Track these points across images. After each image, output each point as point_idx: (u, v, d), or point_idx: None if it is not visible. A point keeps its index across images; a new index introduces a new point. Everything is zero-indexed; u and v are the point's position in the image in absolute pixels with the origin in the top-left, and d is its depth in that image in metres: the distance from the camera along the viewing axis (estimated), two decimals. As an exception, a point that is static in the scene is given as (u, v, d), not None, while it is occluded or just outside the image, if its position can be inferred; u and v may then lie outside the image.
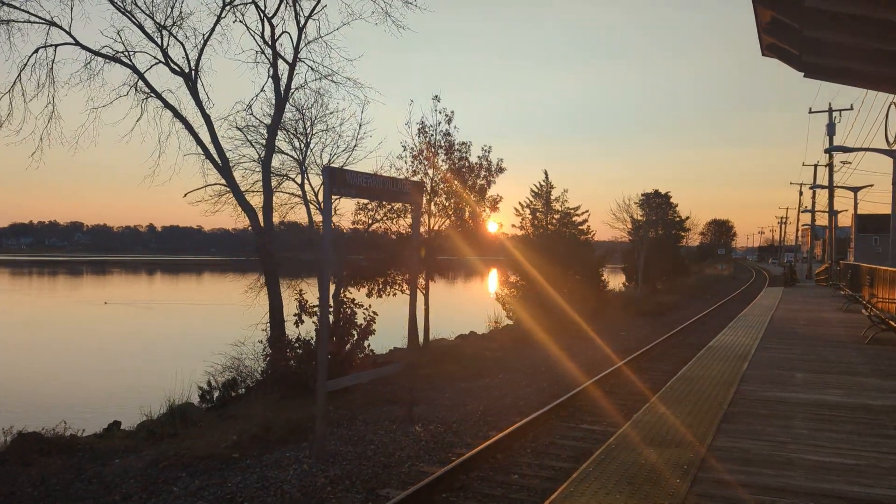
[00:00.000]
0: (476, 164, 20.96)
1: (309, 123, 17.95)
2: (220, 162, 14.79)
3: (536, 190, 32.58)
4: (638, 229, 49.60)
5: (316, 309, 14.51)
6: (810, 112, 43.26)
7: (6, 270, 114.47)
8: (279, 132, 16.66)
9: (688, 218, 57.21)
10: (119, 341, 30.77)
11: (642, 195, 51.32)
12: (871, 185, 40.54)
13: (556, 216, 32.43)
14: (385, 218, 21.09)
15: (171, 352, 24.43)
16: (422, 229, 21.60)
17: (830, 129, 40.56)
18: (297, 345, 14.70)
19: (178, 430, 11.25)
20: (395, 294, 20.94)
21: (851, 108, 41.18)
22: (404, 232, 21.49)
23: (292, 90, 15.21)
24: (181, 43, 14.23)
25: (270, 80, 14.68)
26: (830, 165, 41.06)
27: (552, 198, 32.45)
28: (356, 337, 14.42)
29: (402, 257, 20.89)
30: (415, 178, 20.93)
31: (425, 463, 9.28)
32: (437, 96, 20.58)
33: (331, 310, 14.11)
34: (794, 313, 19.35)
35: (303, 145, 17.66)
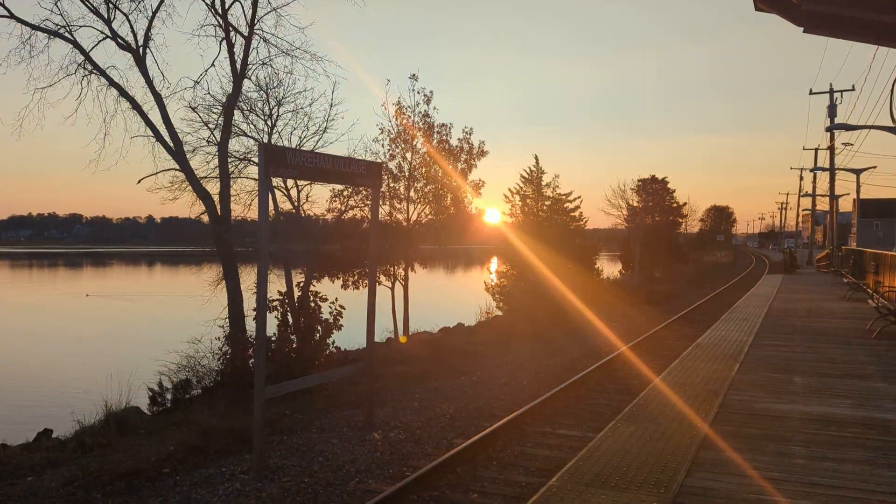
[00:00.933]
0: (457, 147, 19.79)
1: (275, 104, 16.77)
2: (172, 145, 13.62)
3: (527, 175, 31.45)
4: (634, 216, 48.45)
5: (276, 303, 13.44)
6: (811, 93, 41.95)
7: (3, 263, 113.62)
8: (240, 113, 15.51)
9: (685, 204, 56.06)
10: (86, 335, 29.78)
11: (639, 181, 50.17)
12: (875, 167, 39.03)
13: (548, 202, 31.30)
14: (362, 205, 19.96)
15: (136, 347, 23.37)
16: (400, 217, 20.56)
17: (832, 111, 39.31)
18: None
19: (111, 439, 10.17)
20: (372, 285, 19.87)
21: (853, 89, 39.86)
22: (382, 220, 20.37)
23: (250, 66, 14.03)
24: (126, 15, 13.05)
25: (227, 55, 13.48)
26: (832, 148, 39.83)
27: (543, 183, 31.33)
28: (320, 333, 13.32)
29: (382, 246, 19.80)
30: (392, 163, 19.82)
31: (376, 479, 8.20)
32: (414, 75, 19.46)
33: (273, 304, 13.01)
34: (793, 303, 18.14)
35: (268, 127, 16.49)
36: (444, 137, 19.81)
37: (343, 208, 19.03)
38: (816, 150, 50.49)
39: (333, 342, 13.77)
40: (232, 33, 13.34)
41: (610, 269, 55.57)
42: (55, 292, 54.47)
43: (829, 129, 29.34)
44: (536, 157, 31.26)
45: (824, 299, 19.02)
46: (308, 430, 10.47)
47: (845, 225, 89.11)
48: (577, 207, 31.91)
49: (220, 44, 13.40)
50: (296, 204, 17.26)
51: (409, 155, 19.67)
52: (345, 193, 19.45)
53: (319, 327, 13.33)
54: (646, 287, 38.41)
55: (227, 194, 14.18)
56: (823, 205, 53.21)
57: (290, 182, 17.36)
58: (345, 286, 19.29)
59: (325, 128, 17.47)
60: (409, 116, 19.48)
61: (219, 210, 13.98)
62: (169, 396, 13.26)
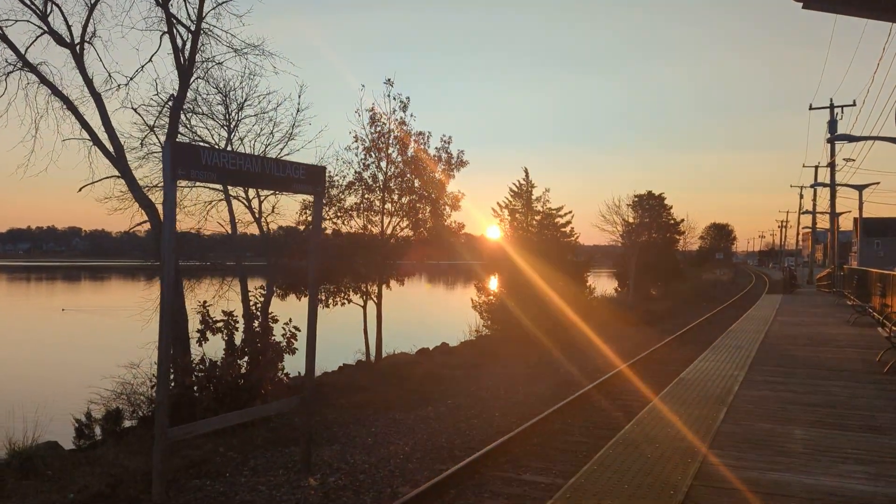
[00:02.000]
0: (435, 156, 18.57)
1: (236, 107, 15.58)
2: (112, 150, 12.40)
3: (516, 189, 30.23)
4: (630, 233, 47.20)
5: (221, 324, 12.15)
6: (810, 108, 40.90)
7: None
8: (194, 116, 14.31)
9: (683, 220, 54.79)
10: (37, 356, 28.47)
11: (635, 196, 48.94)
12: (878, 183, 37.71)
13: (538, 217, 30.05)
14: (335, 217, 18.72)
15: (85, 368, 21.97)
16: (375, 230, 19.28)
17: (832, 126, 38.17)
18: (200, 367, 12.30)
19: (9, 483, 8.83)
20: (343, 304, 18.56)
21: (854, 104, 38.79)
22: (358, 232, 19.13)
23: (201, 64, 12.85)
24: (58, 6, 11.86)
25: (170, 52, 12.29)
26: (832, 164, 38.65)
27: (533, 197, 30.10)
28: (268, 358, 11.99)
29: (355, 262, 18.53)
30: (365, 173, 18.59)
31: (293, 542, 6.87)
32: (389, 80, 18.24)
33: (216, 325, 11.73)
34: (793, 327, 16.66)
35: (227, 132, 15.29)
36: (422, 146, 18.62)
37: (306, 220, 17.76)
38: (816, 167, 49.34)
39: (283, 368, 12.43)
40: (178, 28, 12.18)
41: (606, 286, 54.26)
42: (31, 307, 53.12)
43: (831, 141, 28.21)
44: (526, 171, 30.09)
45: (826, 323, 17.61)
46: (238, 473, 9.14)
47: (846, 243, 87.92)
48: (569, 223, 30.67)
49: (161, 38, 12.23)
50: (257, 216, 16.02)
51: (384, 164, 18.44)
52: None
53: (268, 352, 11.98)
54: (641, 305, 37.11)
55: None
56: (824, 222, 52.00)
57: (251, 191, 16.14)
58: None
59: (292, 134, 16.27)
60: (385, 124, 18.30)
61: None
62: (97, 429, 11.92)
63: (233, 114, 15.41)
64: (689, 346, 20.17)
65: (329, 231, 18.84)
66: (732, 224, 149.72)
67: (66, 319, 41.73)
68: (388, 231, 18.93)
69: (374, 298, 18.77)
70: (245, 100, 15.59)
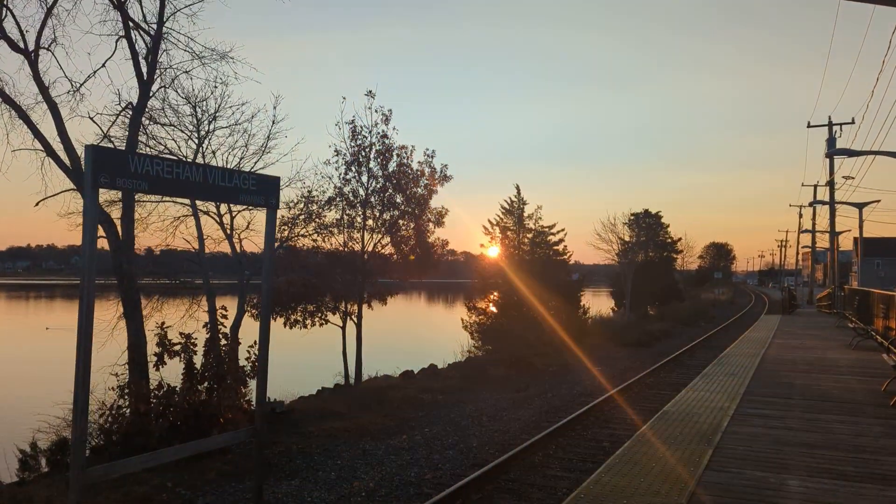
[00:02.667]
0: (417, 170, 17.88)
1: (209, 119, 14.90)
2: (68, 162, 11.69)
3: (507, 206, 29.52)
4: (626, 251, 46.46)
5: (179, 346, 11.36)
6: (808, 126, 40.34)
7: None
8: (159, 127, 13.62)
9: (680, 239, 54.05)
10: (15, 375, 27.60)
11: (631, 215, 48.25)
12: (878, 201, 36.85)
13: (529, 235, 29.33)
14: (314, 233, 17.97)
15: (54, 390, 21.14)
16: (356, 247, 18.53)
17: (831, 144, 37.58)
18: (158, 393, 11.50)
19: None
20: (321, 324, 17.75)
21: (853, 122, 38.21)
22: (337, 249, 18.38)
23: (163, 71, 12.16)
24: (9, 9, 11.19)
25: (129, 57, 11.59)
26: (831, 182, 38.02)
27: (525, 215, 29.39)
28: (228, 384, 11.19)
29: (334, 280, 17.77)
30: (346, 188, 17.89)
31: None
32: (370, 91, 17.60)
33: (173, 349, 10.95)
34: (791, 351, 15.78)
35: (195, 144, 14.60)
36: (405, 161, 17.93)
37: (289, 236, 17.03)
38: (815, 187, 48.71)
39: (247, 394, 11.64)
40: (139, 32, 11.48)
41: (605, 305, 53.38)
42: (15, 325, 52.24)
43: (830, 156, 27.59)
44: (518, 187, 29.41)
45: (827, 347, 16.74)
46: (184, 513, 8.33)
47: (846, 263, 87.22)
48: (562, 240, 29.93)
49: (117, 43, 11.53)
50: (228, 232, 15.28)
51: (364, 178, 17.75)
52: (298, 219, 17.47)
53: (227, 377, 11.19)
54: (637, 326, 36.24)
55: (131, 217, 12.18)
56: (824, 242, 51.31)
57: (223, 207, 15.42)
58: (288, 325, 17.18)
59: (266, 147, 15.59)
60: (366, 137, 17.62)
61: (121, 235, 11.99)
62: (43, 461, 11.07)
63: (203, 125, 14.74)
64: (680, 370, 19.33)
65: (308, 248, 18.10)
66: (732, 243, 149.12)
67: (47, 337, 40.88)
68: (369, 248, 18.18)
69: (353, 319, 17.97)
70: (217, 110, 14.93)
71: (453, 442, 11.82)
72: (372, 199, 17.74)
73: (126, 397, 11.56)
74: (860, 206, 31.75)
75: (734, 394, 9.73)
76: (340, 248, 18.20)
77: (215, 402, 11.16)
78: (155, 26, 11.59)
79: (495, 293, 28.43)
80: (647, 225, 49.08)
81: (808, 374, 11.95)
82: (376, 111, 17.66)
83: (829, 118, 38.40)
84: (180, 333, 11.27)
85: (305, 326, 17.52)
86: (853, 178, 33.74)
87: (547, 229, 29.68)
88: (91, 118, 11.94)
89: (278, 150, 15.88)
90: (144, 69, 11.67)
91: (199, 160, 14.87)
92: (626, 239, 46.61)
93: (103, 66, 11.51)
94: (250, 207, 14.01)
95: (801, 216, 63.46)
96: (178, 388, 11.47)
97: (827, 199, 38.03)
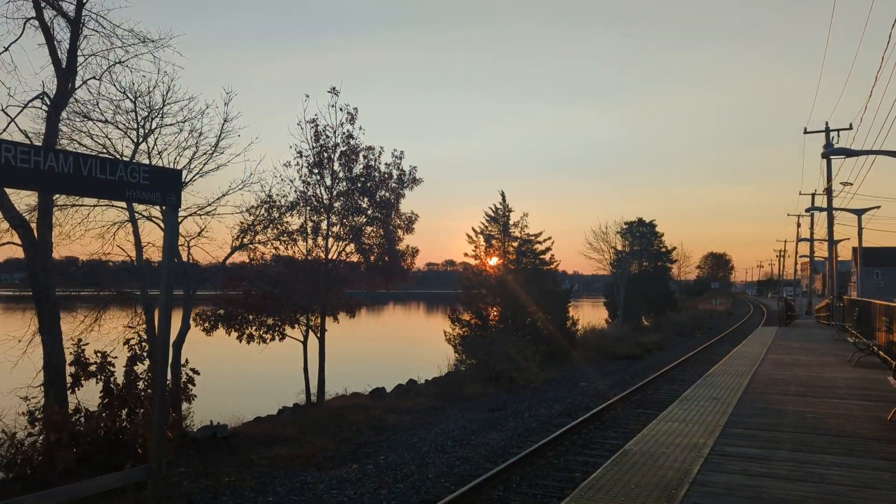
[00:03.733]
0: (385, 172, 16.66)
1: (153, 115, 13.69)
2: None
3: (492, 214, 28.29)
4: (620, 261, 45.22)
5: (94, 366, 10.09)
6: (805, 132, 39.22)
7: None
8: (90, 123, 12.41)
9: (675, 248, 52.76)
10: None
11: (624, 223, 47.01)
12: (878, 207, 35.45)
13: (515, 244, 28.10)
14: (275, 239, 16.72)
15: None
16: (321, 255, 17.29)
17: (828, 147, 36.44)
18: (75, 417, 10.25)
19: None
20: (280, 339, 16.46)
21: (850, 128, 37.11)
22: (299, 257, 17.13)
23: (84, 57, 10.93)
24: None
25: (43, 43, 10.39)
26: (829, 189, 36.81)
27: (511, 222, 28.17)
28: (147, 409, 9.92)
29: (294, 291, 16.49)
30: (309, 191, 16.67)
31: None
32: (334, 88, 16.41)
33: (89, 369, 9.70)
34: (785, 368, 14.42)
35: (133, 143, 13.36)
36: (372, 163, 16.71)
37: (246, 243, 15.78)
38: (814, 194, 47.63)
39: (175, 417, 10.36)
40: (52, 14, 10.28)
41: (601, 315, 52.09)
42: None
43: (826, 156, 26.44)
44: (503, 194, 28.19)
45: (825, 363, 15.42)
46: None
47: (845, 273, 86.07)
48: (549, 249, 28.68)
49: (25, 25, 10.28)
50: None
51: (328, 181, 16.51)
52: (256, 227, 16.22)
53: (146, 402, 9.92)
54: (629, 338, 34.99)
55: (49, 222, 10.95)
56: (822, 251, 50.10)
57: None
58: (244, 339, 15.91)
59: (218, 146, 14.38)
60: (330, 137, 16.42)
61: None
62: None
63: (146, 122, 13.52)
64: (669, 385, 18.02)
65: (269, 256, 16.84)
66: (731, 254, 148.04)
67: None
68: (333, 256, 16.93)
69: (316, 333, 16.69)
70: (163, 105, 13.71)
71: (408, 472, 10.53)
72: (336, 204, 16.51)
73: (37, 424, 10.32)
74: (859, 213, 30.57)
75: (713, 425, 8.21)
76: (304, 257, 16.97)
77: (134, 428, 9.91)
78: (74, 6, 10.39)
79: (479, 304, 27.18)
80: (641, 234, 47.86)
81: (801, 399, 10.46)
82: (341, 109, 16.49)
83: (827, 123, 37.26)
84: (95, 352, 10.03)
85: (264, 341, 16.24)
86: (851, 183, 32.50)
87: (533, 237, 28.46)
88: (3, 111, 10.67)
89: (231, 150, 14.62)
90: (63, 57, 10.47)
91: (144, 161, 13.66)
92: (619, 248, 45.38)
93: (6, 50, 10.27)
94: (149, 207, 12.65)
95: (798, 225, 62.31)
96: (94, 414, 10.25)
97: (825, 205, 36.83)
